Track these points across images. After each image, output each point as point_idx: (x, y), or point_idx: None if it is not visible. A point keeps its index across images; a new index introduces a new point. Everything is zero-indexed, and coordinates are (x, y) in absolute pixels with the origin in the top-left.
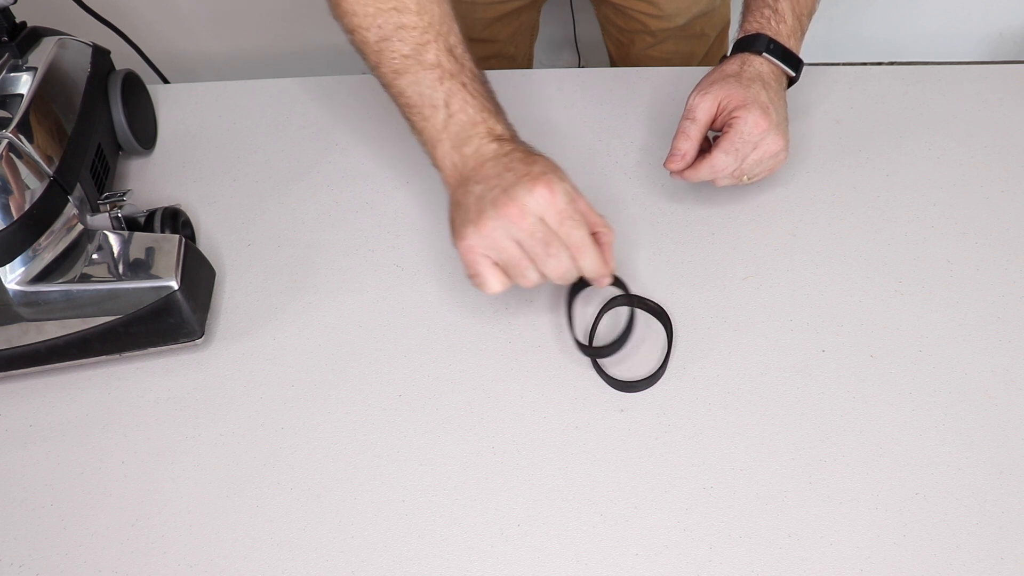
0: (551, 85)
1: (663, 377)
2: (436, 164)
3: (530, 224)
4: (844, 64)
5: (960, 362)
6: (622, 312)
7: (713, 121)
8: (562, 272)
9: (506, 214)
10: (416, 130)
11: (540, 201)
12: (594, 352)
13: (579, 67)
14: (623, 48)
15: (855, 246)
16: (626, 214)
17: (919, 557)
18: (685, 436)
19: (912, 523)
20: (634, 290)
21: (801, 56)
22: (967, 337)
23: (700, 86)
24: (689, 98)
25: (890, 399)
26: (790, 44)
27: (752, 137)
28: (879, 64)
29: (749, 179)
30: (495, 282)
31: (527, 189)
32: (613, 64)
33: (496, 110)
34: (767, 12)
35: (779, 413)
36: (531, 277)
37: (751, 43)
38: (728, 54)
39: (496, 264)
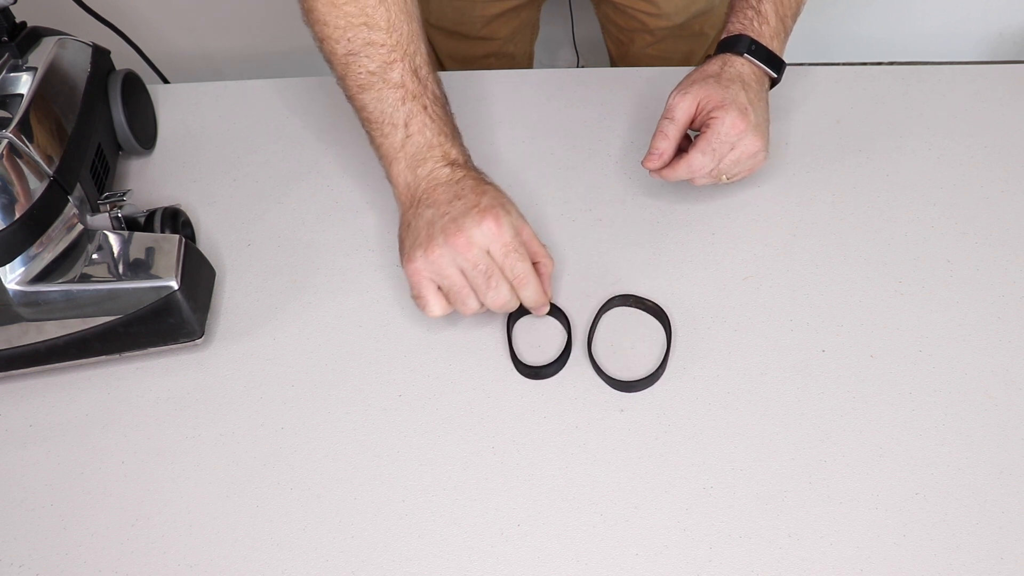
0: (551, 85)
1: (663, 377)
2: (390, 180)
3: (475, 256)
4: (844, 64)
5: (960, 362)
6: (614, 315)
7: (692, 121)
8: (501, 303)
9: (454, 243)
10: (374, 144)
11: (487, 233)
12: (532, 372)
13: (578, 66)
14: (623, 47)
15: (855, 246)
16: (626, 214)
17: (919, 557)
18: (685, 436)
19: (912, 523)
20: (632, 290)
21: (784, 57)
22: (967, 337)
23: (680, 86)
24: (669, 97)
25: (890, 399)
26: (773, 45)
27: (729, 138)
28: (879, 64)
29: (728, 179)
30: (436, 307)
31: (475, 221)
32: (613, 63)
33: (453, 134)
34: (750, 13)
35: (779, 413)
36: (471, 305)
37: (733, 44)
38: (712, 54)
39: (440, 289)
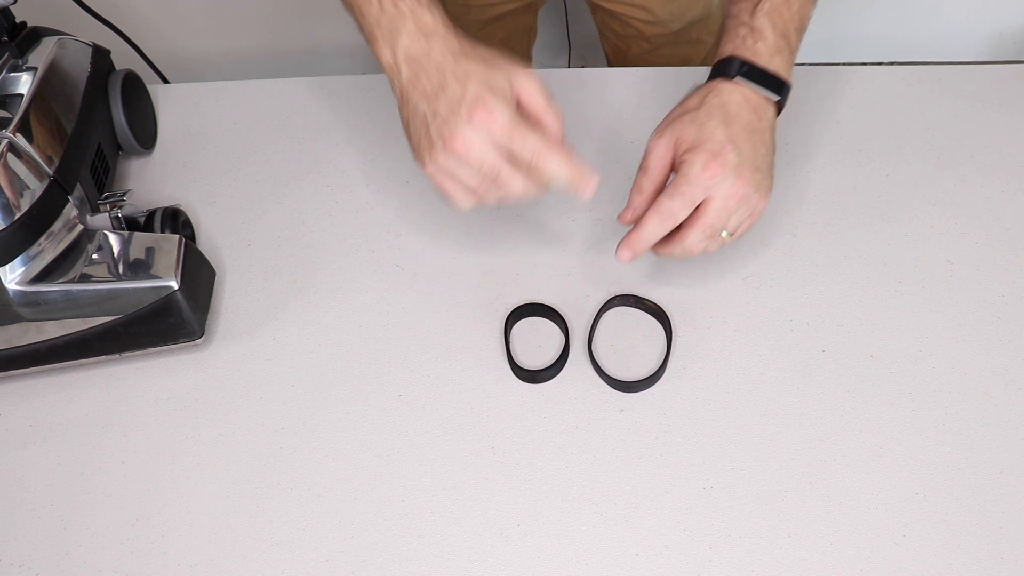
0: (551, 85)
1: (663, 377)
2: (379, 63)
3: (477, 155)
4: (844, 64)
5: (960, 362)
6: (614, 315)
7: (673, 166)
8: (521, 192)
9: (453, 148)
10: (360, 29)
11: (482, 127)
12: (528, 376)
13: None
14: (620, 53)
15: (855, 246)
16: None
17: (919, 557)
18: (685, 436)
19: (912, 523)
20: (633, 290)
21: (789, 79)
22: (967, 337)
23: (659, 127)
24: (649, 141)
25: (890, 399)
26: (773, 64)
27: (700, 181)
28: (879, 64)
29: (730, 234)
30: (464, 201)
31: (467, 118)
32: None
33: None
34: (742, 31)
35: (779, 413)
36: (494, 200)
37: (722, 68)
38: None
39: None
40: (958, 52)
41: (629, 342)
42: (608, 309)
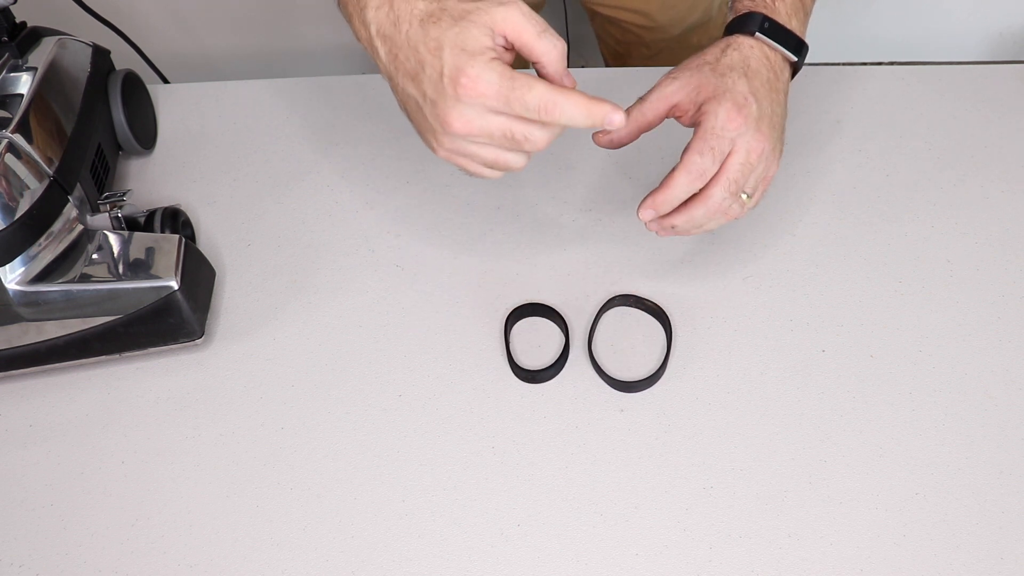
0: None
1: (663, 377)
2: (359, 42)
3: (480, 127)
4: (844, 64)
5: (960, 362)
6: (614, 315)
7: (679, 114)
8: (546, 141)
9: (454, 130)
10: (339, 6)
11: (473, 99)
12: (528, 376)
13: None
14: (620, 59)
15: (855, 246)
16: (626, 214)
17: (919, 557)
18: (685, 436)
19: (912, 523)
20: (633, 290)
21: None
22: (967, 337)
23: (673, 71)
24: (659, 80)
25: (890, 399)
26: (791, 24)
27: (726, 133)
28: (879, 64)
29: (749, 196)
30: (488, 174)
31: (454, 95)
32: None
33: None
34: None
35: (779, 413)
36: (517, 163)
37: (742, 24)
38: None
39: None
40: (958, 52)
41: (629, 342)
42: (608, 309)
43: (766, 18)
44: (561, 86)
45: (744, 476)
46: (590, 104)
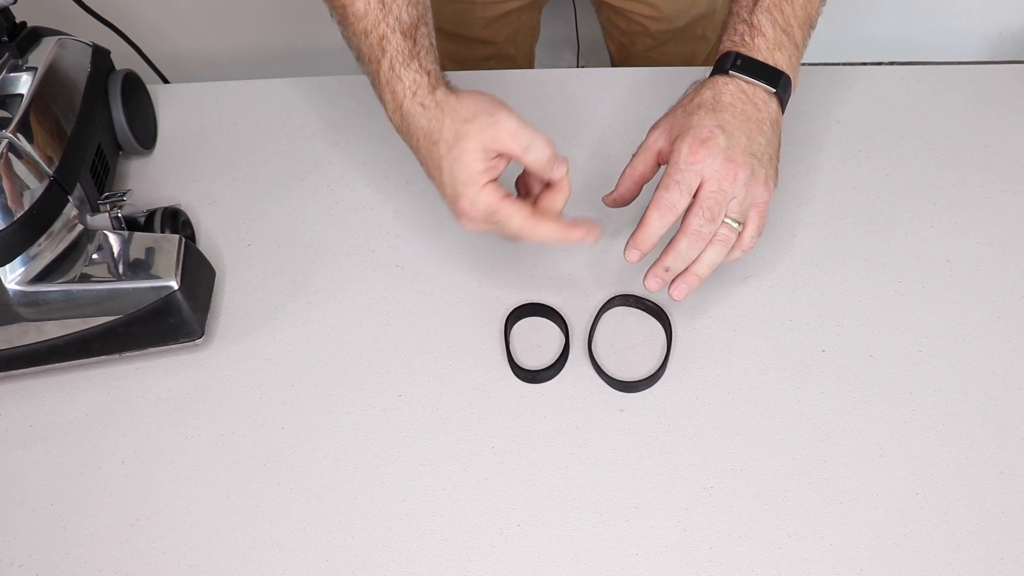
0: (551, 85)
1: (663, 377)
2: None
3: (482, 228)
4: (844, 64)
5: (960, 362)
6: (614, 315)
7: (664, 160)
8: (530, 241)
9: (465, 215)
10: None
11: (469, 217)
12: (528, 376)
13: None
14: (624, 50)
15: (855, 246)
16: (626, 214)
17: (919, 557)
18: (685, 436)
19: (912, 523)
20: (633, 290)
21: (792, 73)
22: (967, 337)
23: (656, 122)
24: (646, 135)
25: (890, 399)
26: (773, 58)
27: (691, 166)
28: (879, 64)
29: (739, 222)
30: (502, 236)
31: (456, 211)
32: (614, 65)
33: (407, 61)
34: (741, 28)
35: (779, 413)
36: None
37: (720, 64)
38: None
39: None
40: (958, 52)
41: (629, 342)
42: (608, 309)
43: (739, 55)
44: (539, 216)
45: (744, 476)
46: (565, 231)
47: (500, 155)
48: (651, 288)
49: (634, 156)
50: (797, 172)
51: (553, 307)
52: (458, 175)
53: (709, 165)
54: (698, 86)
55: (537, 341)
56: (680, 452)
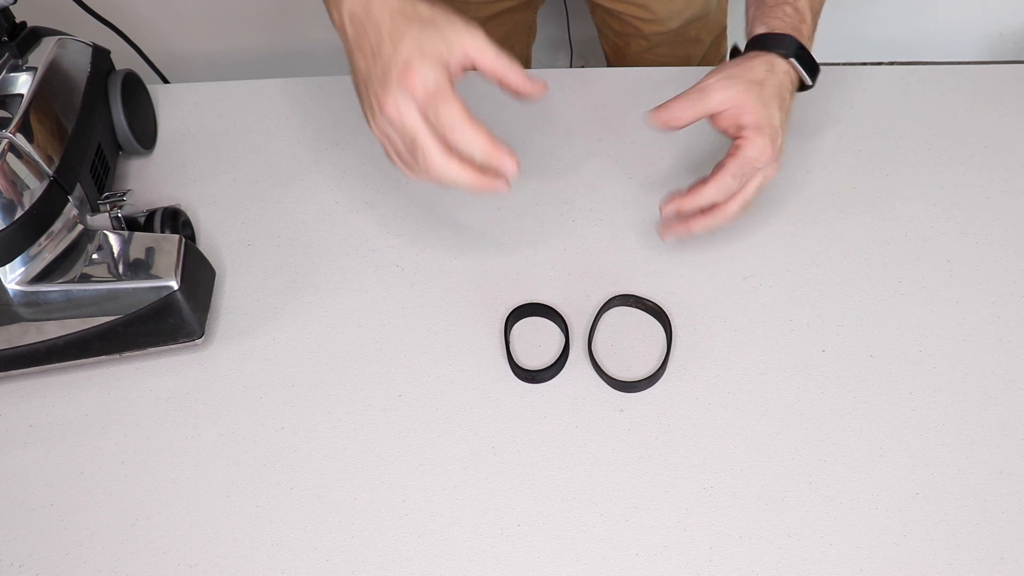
0: (551, 85)
1: (663, 377)
2: (333, 25)
3: (399, 120)
4: (844, 64)
5: (960, 362)
6: (614, 315)
7: (720, 118)
8: (439, 167)
9: (385, 111)
10: None
11: (407, 93)
12: (528, 376)
13: (578, 67)
14: (619, 52)
15: (855, 246)
16: (626, 214)
17: (919, 557)
18: (685, 436)
19: (912, 523)
20: (632, 290)
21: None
22: (967, 337)
23: (723, 72)
24: (709, 77)
25: (890, 399)
26: (811, 48)
27: (758, 164)
28: (879, 64)
29: (745, 203)
30: (401, 167)
31: (396, 83)
32: (609, 67)
33: None
34: (788, 9)
35: (779, 413)
36: (422, 175)
37: (778, 43)
38: (744, 48)
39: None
40: (958, 52)
41: (629, 342)
42: (608, 309)
43: (800, 45)
44: (490, 136)
45: (744, 476)
46: (489, 144)
47: (464, 67)
48: (668, 212)
49: (699, 99)
50: (797, 172)
51: (553, 307)
52: (423, 45)
53: (768, 166)
54: (764, 62)
55: (537, 341)
56: (680, 452)
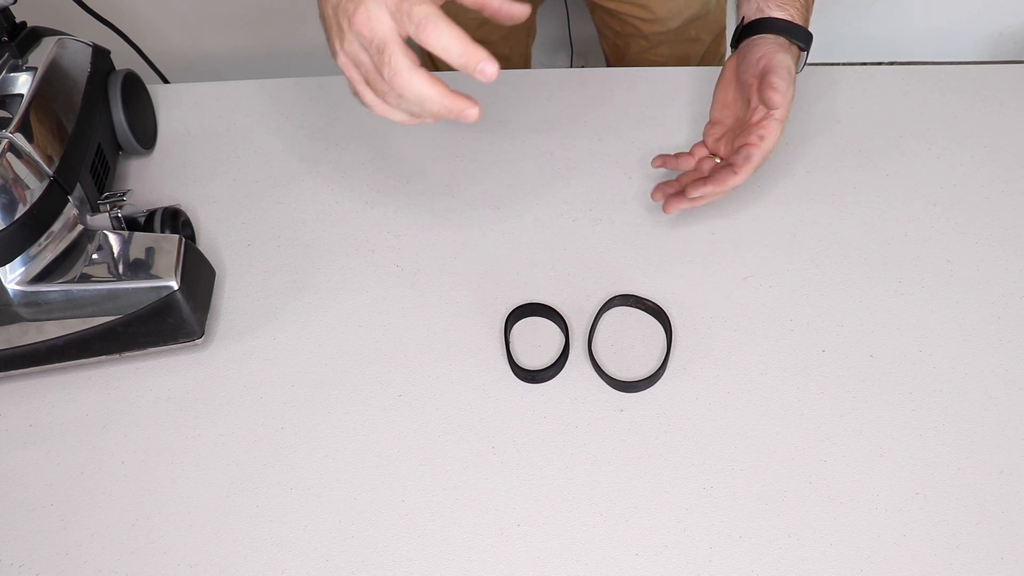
0: (550, 85)
1: (663, 377)
2: None
3: (370, 30)
4: (844, 64)
5: (960, 362)
6: (614, 315)
7: (752, 90)
8: (400, 84)
9: (354, 24)
10: None
11: (379, 2)
12: (528, 376)
13: (578, 67)
14: (619, 52)
15: (855, 246)
16: (626, 214)
17: (919, 557)
18: (685, 436)
19: (912, 523)
20: (632, 290)
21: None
22: (967, 337)
23: (782, 74)
24: (778, 81)
25: (890, 399)
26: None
27: (771, 152)
28: (879, 64)
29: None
30: (367, 96)
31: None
32: (609, 67)
33: None
34: (799, 3)
35: (779, 413)
36: (381, 90)
37: (795, 32)
38: (763, 30)
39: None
40: (958, 52)
41: (629, 342)
42: (608, 309)
43: (811, 38)
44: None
45: (744, 476)
46: (467, 43)
47: None
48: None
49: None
50: (797, 172)
51: (553, 307)
52: None
53: (787, 103)
54: (790, 57)
55: (537, 341)
56: (680, 452)
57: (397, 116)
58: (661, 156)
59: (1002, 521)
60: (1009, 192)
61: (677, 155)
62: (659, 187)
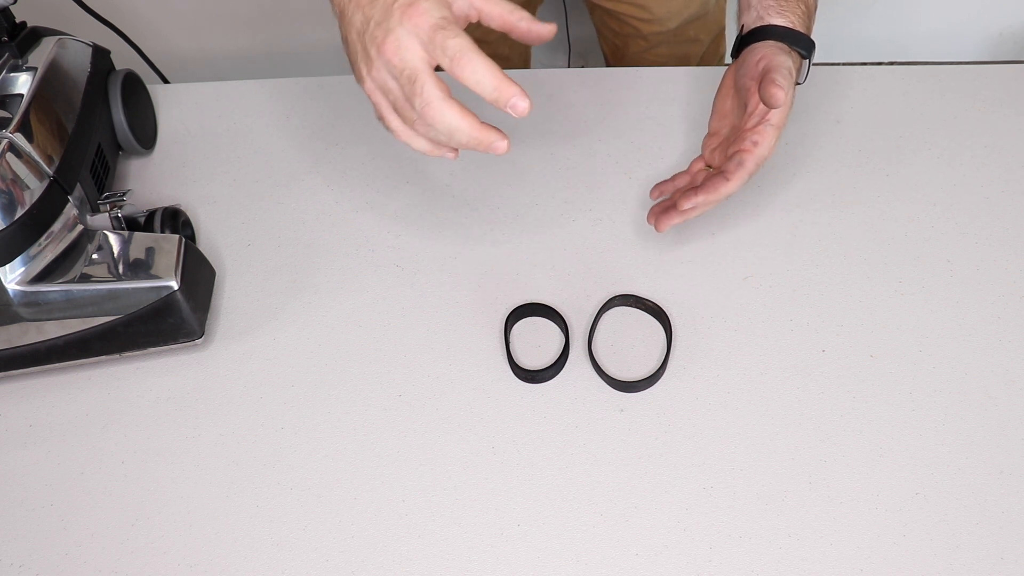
0: (550, 85)
1: (663, 377)
2: None
3: (400, 59)
4: (844, 64)
5: (960, 362)
6: (614, 315)
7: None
8: (431, 115)
9: (384, 52)
10: None
11: (409, 29)
12: (528, 376)
13: (577, 67)
14: (618, 52)
15: (855, 246)
16: (626, 214)
17: (919, 557)
18: (685, 436)
19: (912, 523)
20: (632, 290)
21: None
22: (967, 337)
23: (780, 82)
24: (776, 83)
25: (890, 399)
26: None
27: (764, 161)
28: (879, 64)
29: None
30: (395, 124)
31: (399, 19)
32: (608, 67)
33: None
34: (801, 8)
35: (779, 413)
36: (410, 118)
37: (799, 40)
38: (764, 37)
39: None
40: (958, 52)
41: (629, 342)
42: (608, 309)
43: (813, 47)
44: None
45: (744, 476)
46: (501, 77)
47: (471, 19)
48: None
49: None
50: (797, 172)
51: (553, 307)
52: None
53: (788, 102)
54: (793, 63)
55: (537, 341)
56: (680, 452)
57: (420, 144)
58: (657, 186)
59: (1002, 521)
60: (1009, 192)
61: (673, 177)
62: (651, 209)
